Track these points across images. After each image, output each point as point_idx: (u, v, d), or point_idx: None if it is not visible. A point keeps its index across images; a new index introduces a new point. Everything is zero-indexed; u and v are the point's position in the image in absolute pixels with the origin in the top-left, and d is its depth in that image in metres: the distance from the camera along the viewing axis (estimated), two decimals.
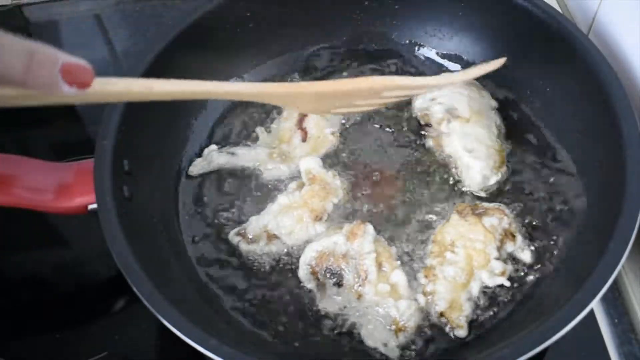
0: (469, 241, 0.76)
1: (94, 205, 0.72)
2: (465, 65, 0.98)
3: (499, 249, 0.76)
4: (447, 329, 0.72)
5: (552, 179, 0.85)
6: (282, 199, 0.81)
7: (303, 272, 0.76)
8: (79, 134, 1.05)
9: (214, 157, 0.87)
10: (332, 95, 0.73)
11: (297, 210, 0.80)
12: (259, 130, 0.91)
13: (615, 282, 0.77)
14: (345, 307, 0.75)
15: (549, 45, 0.87)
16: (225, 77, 0.95)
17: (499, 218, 0.78)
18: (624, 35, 0.86)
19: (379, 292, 0.73)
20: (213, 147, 0.89)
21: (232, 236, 0.81)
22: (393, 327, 0.72)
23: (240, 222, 0.83)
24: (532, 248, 0.78)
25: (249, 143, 0.90)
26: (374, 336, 0.72)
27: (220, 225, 0.83)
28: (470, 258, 0.75)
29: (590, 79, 0.80)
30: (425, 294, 0.74)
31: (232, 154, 0.87)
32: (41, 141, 1.03)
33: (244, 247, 0.80)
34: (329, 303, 0.75)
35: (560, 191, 0.83)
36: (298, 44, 1.00)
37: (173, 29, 0.87)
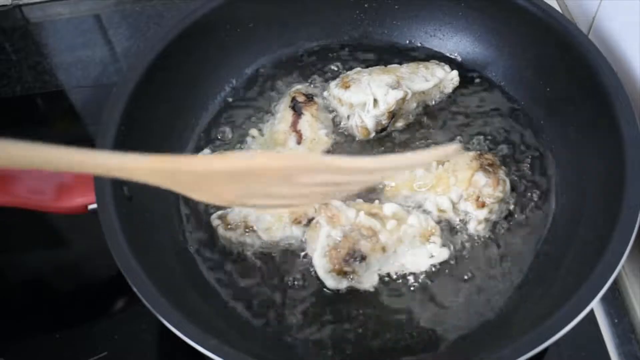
0: (452, 171, 0.81)
1: (94, 205, 0.72)
2: (466, 64, 0.98)
3: (462, 199, 0.80)
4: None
5: (550, 176, 0.85)
6: None
7: (330, 280, 0.76)
8: (79, 134, 1.05)
9: None
10: (217, 177, 0.59)
11: (278, 210, 0.80)
12: (253, 132, 0.91)
13: (615, 282, 0.77)
14: (381, 268, 0.77)
15: (549, 45, 0.87)
16: (225, 76, 0.96)
17: (489, 185, 0.79)
18: (624, 35, 0.86)
19: (392, 230, 0.76)
20: (207, 151, 0.89)
21: (213, 219, 0.82)
22: (423, 239, 0.76)
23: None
24: (481, 226, 0.80)
25: (243, 147, 0.90)
26: (419, 261, 0.76)
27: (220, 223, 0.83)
28: (439, 179, 0.81)
29: (590, 79, 0.80)
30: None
31: None
32: (41, 141, 1.03)
33: (221, 231, 0.80)
34: (370, 278, 0.76)
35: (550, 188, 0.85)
36: (298, 43, 1.00)
37: (173, 29, 0.87)
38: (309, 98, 0.91)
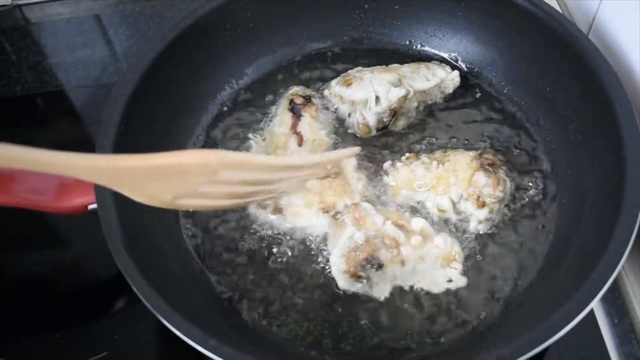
0: (452, 171, 0.81)
1: (94, 205, 0.72)
2: (466, 64, 0.98)
3: (462, 198, 0.80)
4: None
5: (550, 176, 0.85)
6: None
7: (343, 281, 0.76)
8: (79, 134, 1.05)
9: None
10: (149, 173, 0.64)
11: (310, 196, 0.80)
12: (252, 137, 0.91)
13: (615, 282, 0.77)
14: (396, 280, 0.76)
15: (549, 45, 0.87)
16: (225, 76, 0.96)
17: (489, 185, 0.79)
18: (624, 35, 0.86)
19: (416, 246, 0.75)
20: None
21: None
22: (444, 262, 0.75)
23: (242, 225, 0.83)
24: (482, 226, 0.80)
25: (242, 149, 0.90)
26: (437, 282, 0.75)
27: (220, 224, 0.84)
28: (439, 179, 0.81)
29: (590, 79, 0.80)
30: (392, 165, 0.84)
31: None
32: (41, 141, 1.03)
33: (252, 208, 0.82)
34: (383, 288, 0.76)
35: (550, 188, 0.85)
36: (298, 44, 1.00)
37: (173, 29, 0.87)
38: (307, 99, 0.91)
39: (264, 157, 0.71)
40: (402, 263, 0.75)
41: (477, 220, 0.80)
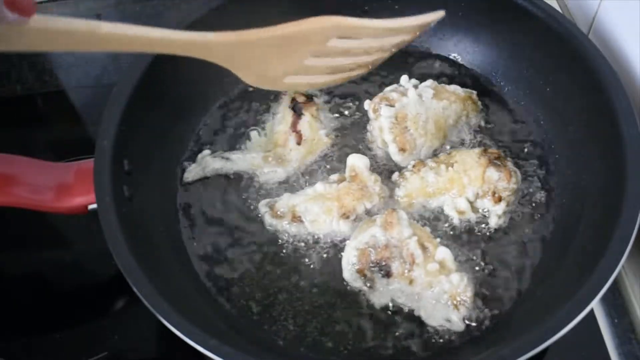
0: (463, 171, 0.81)
1: (94, 205, 0.72)
2: (466, 64, 0.98)
3: (478, 196, 0.80)
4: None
5: (550, 176, 0.85)
6: (318, 187, 0.82)
7: (348, 273, 0.76)
8: (79, 134, 1.05)
9: (209, 163, 0.87)
10: (268, 45, 0.71)
11: (328, 202, 0.80)
12: (253, 133, 0.91)
13: (615, 282, 0.77)
14: (397, 295, 0.75)
15: (549, 45, 0.87)
16: (225, 76, 0.95)
17: (502, 179, 0.80)
18: (624, 35, 0.86)
19: (429, 273, 0.73)
20: (206, 152, 0.89)
21: (262, 206, 0.83)
22: (451, 302, 0.73)
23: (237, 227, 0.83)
24: (502, 220, 0.80)
25: (242, 147, 0.90)
26: (435, 316, 0.73)
27: (220, 224, 0.84)
28: (452, 181, 0.81)
29: (590, 79, 0.80)
30: (401, 175, 0.84)
31: (227, 159, 0.87)
32: (41, 141, 1.03)
33: (268, 218, 0.81)
34: (382, 296, 0.75)
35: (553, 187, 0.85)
36: None
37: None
38: (309, 98, 0.91)
39: (371, 20, 0.78)
40: (410, 282, 0.74)
41: (497, 215, 0.80)
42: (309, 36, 0.72)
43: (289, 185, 0.86)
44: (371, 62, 0.83)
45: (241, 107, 0.95)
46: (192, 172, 0.87)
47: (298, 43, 0.72)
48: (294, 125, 0.88)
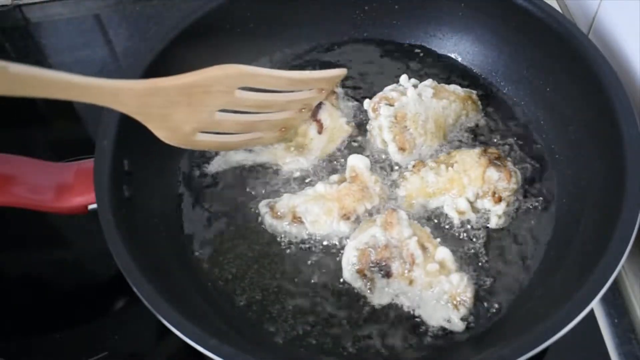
0: (463, 171, 0.81)
1: (94, 205, 0.72)
2: (466, 64, 0.98)
3: (478, 197, 0.80)
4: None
5: (550, 176, 0.85)
6: (319, 187, 0.82)
7: (349, 274, 0.76)
8: (79, 134, 1.05)
9: (231, 155, 0.87)
10: (174, 94, 0.70)
11: (328, 203, 0.80)
12: None
13: (615, 282, 0.77)
14: (397, 295, 0.75)
15: (549, 45, 0.87)
16: None
17: (502, 179, 0.80)
18: (624, 35, 0.86)
19: (429, 273, 0.73)
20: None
21: (262, 206, 0.83)
22: (451, 302, 0.73)
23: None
24: (502, 220, 0.81)
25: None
26: (435, 316, 0.73)
27: (220, 224, 0.84)
28: (452, 181, 0.80)
29: (590, 79, 0.80)
30: (401, 175, 0.84)
31: (250, 150, 0.87)
32: (41, 141, 1.03)
33: (268, 219, 0.81)
34: (382, 296, 0.75)
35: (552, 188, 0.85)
36: (298, 43, 1.00)
37: (173, 29, 0.87)
38: None
39: (278, 70, 0.80)
40: (410, 282, 0.74)
41: (497, 215, 0.80)
42: (213, 84, 0.72)
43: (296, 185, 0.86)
44: (282, 122, 0.84)
45: None
46: (215, 164, 0.88)
47: (203, 92, 0.72)
48: (314, 114, 0.88)
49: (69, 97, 0.64)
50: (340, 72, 0.85)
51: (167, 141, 0.76)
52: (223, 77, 0.72)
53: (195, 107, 0.73)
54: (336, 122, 0.89)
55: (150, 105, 0.70)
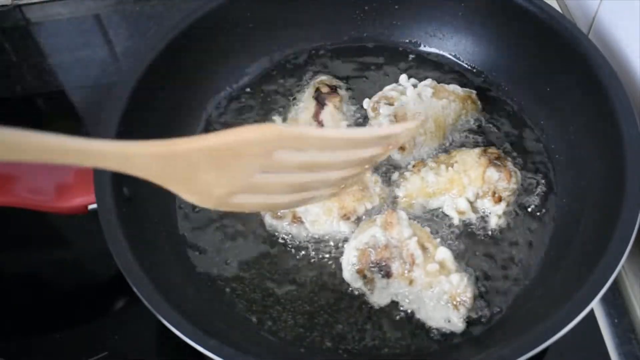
0: (463, 171, 0.80)
1: (94, 205, 0.72)
2: (466, 64, 0.98)
3: (478, 197, 0.80)
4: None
5: (550, 176, 0.85)
6: None
7: (348, 274, 0.76)
8: (79, 134, 1.04)
9: None
10: (199, 158, 0.58)
11: (328, 202, 0.80)
12: (277, 120, 0.92)
13: (615, 282, 0.77)
14: (397, 295, 0.75)
15: (549, 45, 0.87)
16: (225, 77, 0.96)
17: (502, 179, 0.80)
18: (624, 35, 0.86)
19: (429, 273, 0.73)
20: None
21: None
22: (451, 302, 0.72)
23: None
24: (502, 221, 0.80)
25: None
26: (434, 316, 0.73)
27: (220, 224, 0.83)
28: (452, 181, 0.80)
29: (590, 79, 0.80)
30: (401, 175, 0.83)
31: None
32: None
33: (268, 219, 0.81)
34: (382, 296, 0.75)
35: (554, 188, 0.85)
36: (298, 43, 1.00)
37: (173, 29, 0.87)
38: (333, 89, 0.91)
39: (325, 129, 0.66)
40: (410, 282, 0.74)
41: (497, 215, 0.80)
42: (244, 148, 0.58)
43: None
44: (340, 181, 0.68)
45: (240, 108, 0.95)
46: None
47: (232, 155, 0.59)
48: (316, 115, 0.88)
49: (70, 162, 0.57)
50: (414, 125, 0.68)
51: (200, 205, 0.63)
52: (257, 141, 0.58)
53: (226, 171, 0.60)
54: (337, 124, 0.89)
55: (168, 170, 0.59)
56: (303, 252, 0.80)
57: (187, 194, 0.62)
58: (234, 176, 0.60)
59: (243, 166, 0.60)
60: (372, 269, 0.74)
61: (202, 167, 0.59)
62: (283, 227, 0.81)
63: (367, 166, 0.69)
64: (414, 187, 0.82)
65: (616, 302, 0.83)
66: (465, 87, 0.92)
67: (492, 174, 0.80)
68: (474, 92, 0.92)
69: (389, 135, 0.66)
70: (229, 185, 0.61)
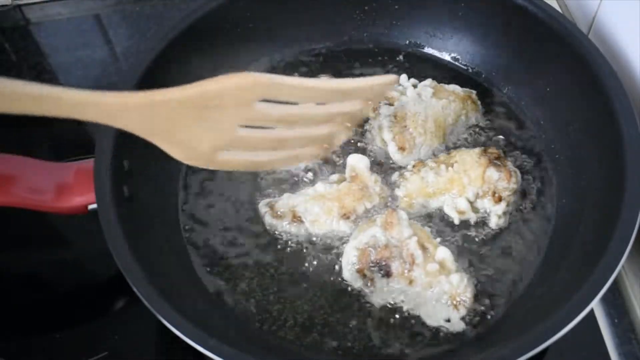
0: (463, 171, 0.81)
1: (94, 205, 0.72)
2: (465, 64, 0.98)
3: (478, 196, 0.80)
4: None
5: (550, 176, 0.86)
6: (319, 187, 0.82)
7: (348, 273, 0.76)
8: (79, 134, 1.04)
9: None
10: (181, 107, 0.59)
11: (328, 202, 0.80)
12: None
13: (615, 282, 0.77)
14: (397, 295, 0.75)
15: (549, 45, 0.87)
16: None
17: (502, 179, 0.80)
18: (624, 35, 0.86)
19: (429, 273, 0.73)
20: None
21: (262, 206, 0.82)
22: (451, 302, 0.72)
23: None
24: (502, 221, 0.80)
25: None
26: (435, 316, 0.73)
27: (220, 224, 0.84)
28: (452, 181, 0.80)
29: (590, 79, 0.80)
30: (401, 175, 0.83)
31: None
32: (41, 141, 1.03)
33: (268, 219, 0.81)
34: (381, 296, 0.75)
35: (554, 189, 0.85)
36: (298, 43, 1.00)
37: (173, 29, 0.87)
38: None
39: (300, 78, 0.66)
40: (410, 282, 0.74)
41: (497, 215, 0.80)
42: (223, 97, 0.60)
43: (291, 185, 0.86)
44: (322, 138, 0.70)
45: None
46: None
47: (213, 106, 0.60)
48: None
49: (50, 113, 0.57)
50: (390, 78, 0.71)
51: (185, 161, 0.66)
52: (234, 88, 0.60)
53: (208, 123, 0.61)
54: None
55: (151, 121, 0.60)
56: (303, 252, 0.80)
57: (172, 148, 0.63)
58: (217, 129, 0.62)
59: (224, 118, 0.62)
60: (372, 268, 0.74)
61: (182, 119, 0.60)
62: (283, 227, 0.81)
63: (348, 124, 0.71)
64: (414, 187, 0.82)
65: (616, 302, 0.83)
66: (465, 87, 0.92)
67: (492, 173, 0.80)
68: (474, 92, 0.92)
69: (363, 86, 0.67)
70: (212, 139, 0.63)
